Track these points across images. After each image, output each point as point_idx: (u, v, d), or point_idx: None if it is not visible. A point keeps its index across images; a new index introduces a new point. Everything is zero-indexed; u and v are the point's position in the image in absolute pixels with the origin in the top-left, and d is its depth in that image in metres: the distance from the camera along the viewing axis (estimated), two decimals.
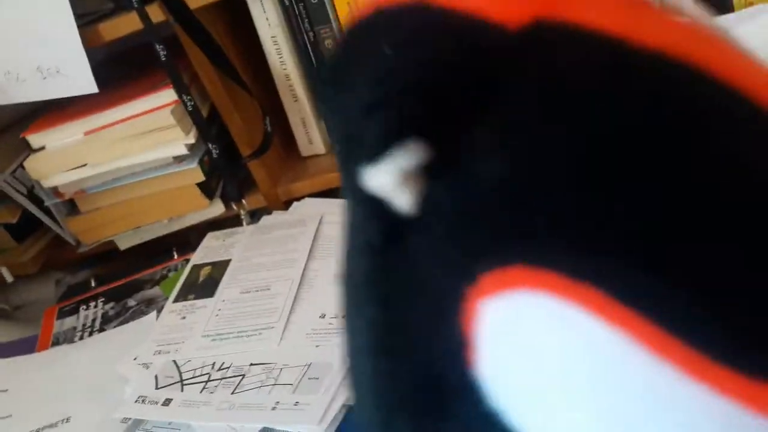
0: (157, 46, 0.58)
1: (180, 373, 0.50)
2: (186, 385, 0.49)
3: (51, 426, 0.52)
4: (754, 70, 0.14)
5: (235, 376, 0.48)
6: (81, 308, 0.65)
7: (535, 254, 0.13)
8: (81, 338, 0.62)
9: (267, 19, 0.62)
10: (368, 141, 0.13)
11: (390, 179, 0.13)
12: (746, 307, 0.12)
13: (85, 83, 0.59)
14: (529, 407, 0.14)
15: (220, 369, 0.50)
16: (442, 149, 0.13)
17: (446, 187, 0.13)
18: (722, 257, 0.12)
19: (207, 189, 0.64)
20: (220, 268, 0.60)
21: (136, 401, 0.49)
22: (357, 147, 0.13)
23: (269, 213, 0.65)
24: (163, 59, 0.58)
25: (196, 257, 0.62)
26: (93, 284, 0.68)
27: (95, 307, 0.65)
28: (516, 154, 0.13)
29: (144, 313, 0.61)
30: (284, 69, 0.65)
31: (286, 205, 0.66)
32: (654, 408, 0.12)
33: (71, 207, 0.67)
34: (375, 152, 0.13)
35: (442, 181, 0.13)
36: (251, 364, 0.49)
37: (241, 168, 0.65)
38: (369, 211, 0.14)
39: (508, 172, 0.13)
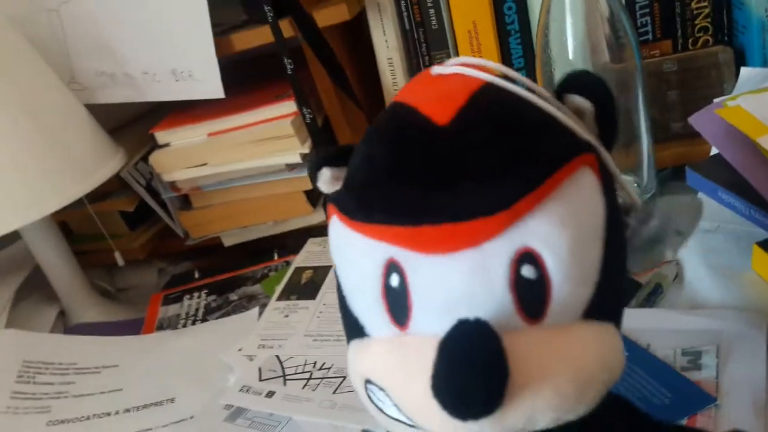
0: (285, 60, 0.62)
1: (283, 368, 0.53)
2: (288, 380, 0.52)
3: (157, 404, 0.56)
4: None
5: (336, 377, 0.51)
6: (185, 297, 0.70)
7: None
8: (184, 326, 0.66)
9: (386, 41, 0.65)
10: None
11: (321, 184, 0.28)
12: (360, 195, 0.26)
13: (214, 88, 0.64)
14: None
15: (321, 369, 0.52)
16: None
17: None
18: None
19: (312, 197, 0.67)
20: (320, 273, 0.63)
21: (240, 390, 0.52)
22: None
23: None
24: (290, 72, 0.62)
25: (299, 260, 0.65)
26: (196, 276, 0.72)
27: (198, 297, 0.69)
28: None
29: (245, 308, 0.64)
30: (395, 89, 0.68)
31: None
32: (346, 252, 0.26)
33: (184, 202, 0.72)
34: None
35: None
36: None
37: None
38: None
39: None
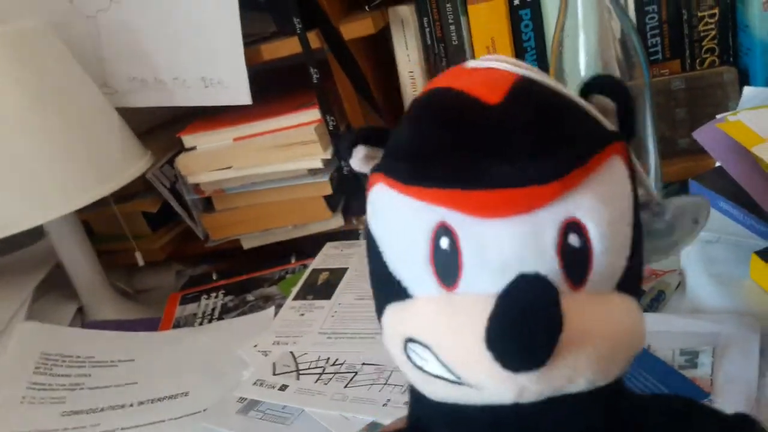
0: (312, 70, 0.64)
1: (296, 364, 0.55)
2: (302, 374, 0.53)
3: (171, 397, 0.57)
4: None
5: (348, 372, 0.52)
6: (202, 297, 0.71)
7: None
8: (201, 324, 0.67)
9: (408, 56, 0.68)
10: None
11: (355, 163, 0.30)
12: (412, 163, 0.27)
13: (242, 95, 0.66)
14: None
15: (334, 364, 0.54)
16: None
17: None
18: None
19: (332, 202, 0.70)
20: (337, 274, 0.65)
21: (254, 384, 0.53)
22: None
23: None
24: (315, 81, 0.64)
25: (316, 262, 0.67)
26: (214, 277, 0.74)
27: (216, 297, 0.71)
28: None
29: (261, 308, 0.66)
30: None
31: None
32: (392, 217, 0.27)
33: (206, 204, 0.74)
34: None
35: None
36: (363, 364, 0.53)
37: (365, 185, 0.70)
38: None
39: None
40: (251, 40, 0.68)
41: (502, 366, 0.23)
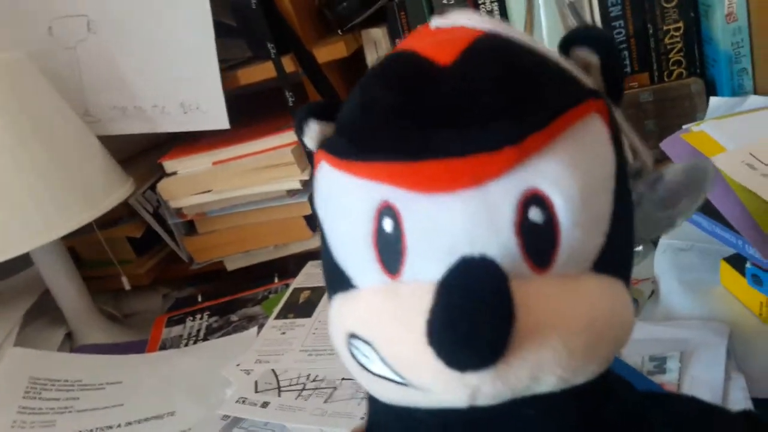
0: (287, 93, 0.66)
1: (278, 381, 0.56)
2: (283, 391, 0.54)
3: (157, 417, 0.58)
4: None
5: (327, 388, 0.53)
6: (188, 319, 0.72)
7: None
8: (186, 345, 0.68)
9: None
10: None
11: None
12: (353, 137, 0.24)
13: (220, 120, 0.68)
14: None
15: (314, 380, 0.55)
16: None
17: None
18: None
19: (312, 221, 0.71)
20: (318, 292, 0.66)
21: (236, 401, 0.54)
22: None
23: None
24: (291, 104, 0.66)
25: (297, 281, 0.68)
26: (199, 299, 0.75)
27: (201, 319, 0.72)
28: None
29: (245, 328, 0.67)
30: None
31: None
32: (334, 200, 0.24)
33: (189, 227, 0.75)
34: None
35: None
36: (343, 379, 0.54)
37: None
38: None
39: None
40: (228, 66, 0.69)
41: (446, 365, 0.20)
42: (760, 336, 0.47)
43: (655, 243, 0.59)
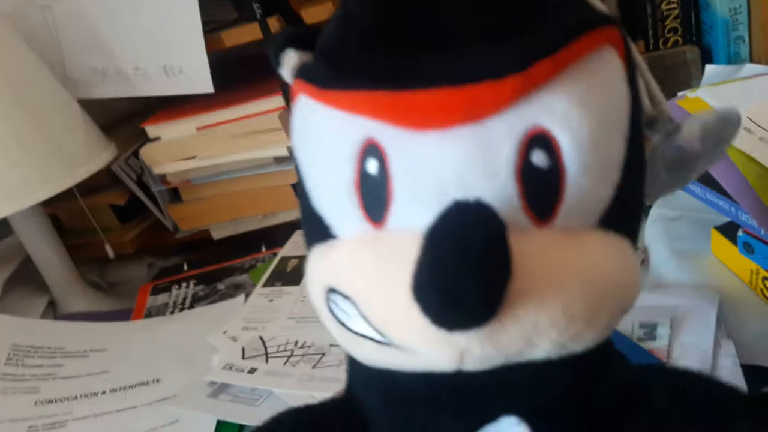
0: None
1: (265, 347, 0.55)
2: (270, 357, 0.54)
3: (142, 384, 0.57)
4: None
5: (315, 354, 0.53)
6: (173, 287, 0.71)
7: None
8: (172, 313, 0.67)
9: None
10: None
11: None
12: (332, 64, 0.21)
13: (204, 83, 0.66)
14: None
15: (302, 347, 0.54)
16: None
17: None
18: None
19: None
20: (305, 261, 0.65)
21: (223, 368, 0.54)
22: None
23: None
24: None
25: (285, 250, 0.67)
26: (185, 268, 0.74)
27: (187, 287, 0.71)
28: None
29: (232, 296, 0.66)
30: None
31: None
32: (313, 136, 0.22)
33: (174, 195, 0.74)
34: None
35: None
36: (331, 345, 0.53)
37: None
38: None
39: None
40: (212, 28, 0.67)
41: (432, 322, 0.18)
42: (750, 303, 0.47)
43: (645, 213, 0.59)
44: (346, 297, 0.21)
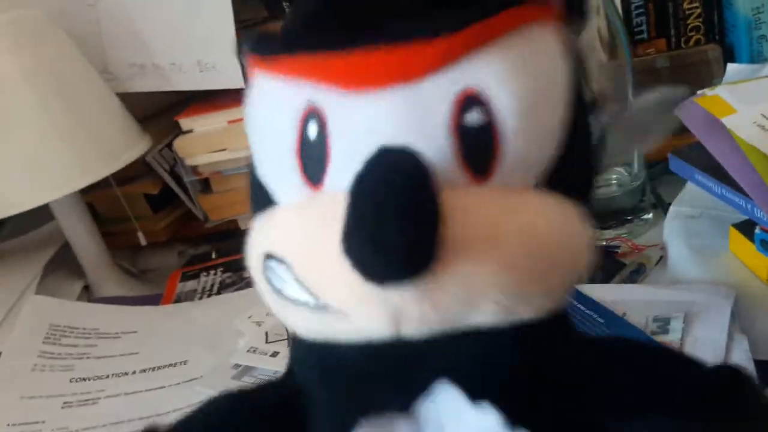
0: None
1: (288, 332, 0.57)
2: None
3: (170, 366, 0.60)
4: None
5: None
6: (202, 274, 0.74)
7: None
8: (200, 299, 0.70)
9: None
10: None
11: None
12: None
13: (235, 79, 0.68)
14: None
15: None
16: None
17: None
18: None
19: None
20: None
21: (248, 351, 0.56)
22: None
23: None
24: None
25: None
26: (214, 256, 0.77)
27: (215, 274, 0.73)
28: None
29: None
30: None
31: None
32: (261, 109, 0.23)
33: (205, 186, 0.77)
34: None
35: None
36: None
37: None
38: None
39: None
40: (245, 26, 0.70)
41: (362, 275, 0.17)
42: (765, 300, 0.48)
43: (665, 210, 0.60)
44: (282, 262, 0.20)
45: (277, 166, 0.22)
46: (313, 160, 0.21)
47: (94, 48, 0.72)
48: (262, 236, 0.22)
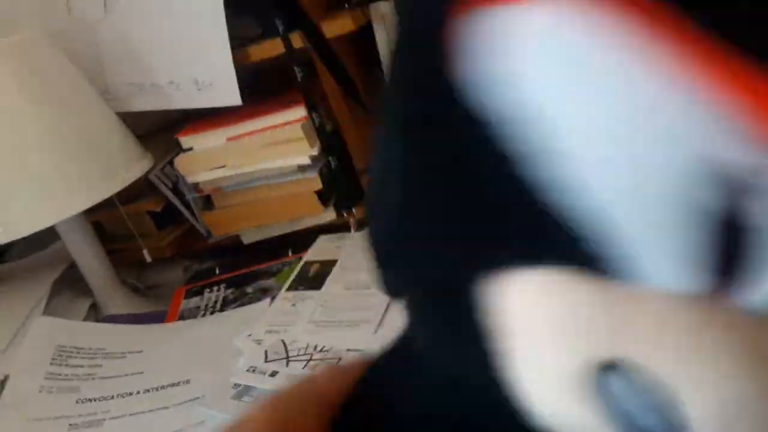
0: (296, 69, 0.67)
1: (287, 351, 0.58)
2: (291, 361, 0.56)
3: (173, 385, 0.60)
4: None
5: (333, 358, 0.55)
6: (205, 291, 0.75)
7: None
8: (203, 316, 0.71)
9: (390, 50, 0.70)
10: None
11: None
12: None
13: (232, 96, 0.69)
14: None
15: (321, 351, 0.56)
16: None
17: None
18: None
19: (324, 197, 0.72)
20: (328, 266, 0.67)
21: (247, 370, 0.56)
22: None
23: None
24: (300, 80, 0.67)
25: (309, 255, 0.70)
26: (217, 272, 0.78)
27: (218, 291, 0.74)
28: None
29: (259, 300, 0.69)
30: None
31: None
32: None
33: (207, 202, 0.77)
34: None
35: None
36: (348, 350, 0.55)
37: (353, 180, 0.72)
38: None
39: None
40: (239, 43, 0.70)
41: None
42: None
43: None
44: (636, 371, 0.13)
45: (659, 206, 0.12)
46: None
47: (94, 69, 0.73)
48: (603, 328, 0.13)
